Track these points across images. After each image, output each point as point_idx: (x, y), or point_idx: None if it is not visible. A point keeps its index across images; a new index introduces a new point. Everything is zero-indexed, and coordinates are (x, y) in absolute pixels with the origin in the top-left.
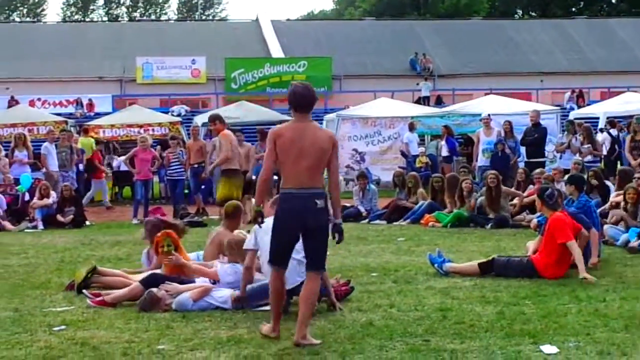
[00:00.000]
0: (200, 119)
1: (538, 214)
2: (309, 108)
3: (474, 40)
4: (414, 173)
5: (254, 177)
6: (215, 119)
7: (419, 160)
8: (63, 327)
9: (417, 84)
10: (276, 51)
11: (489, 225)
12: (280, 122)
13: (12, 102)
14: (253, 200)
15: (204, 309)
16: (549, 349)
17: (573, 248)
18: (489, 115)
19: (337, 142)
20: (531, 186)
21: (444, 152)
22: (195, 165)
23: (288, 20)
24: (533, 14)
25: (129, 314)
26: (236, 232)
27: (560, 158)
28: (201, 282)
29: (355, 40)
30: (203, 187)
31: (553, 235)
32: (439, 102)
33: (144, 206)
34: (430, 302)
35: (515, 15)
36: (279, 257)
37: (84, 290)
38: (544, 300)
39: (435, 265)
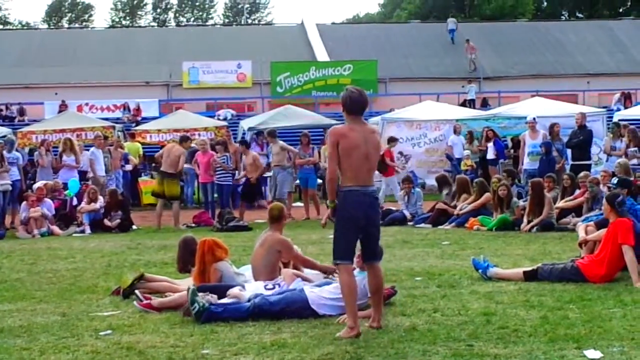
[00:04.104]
0: (246, 124)
1: (584, 216)
2: (363, 111)
3: (520, 42)
4: (461, 176)
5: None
6: None
7: (464, 163)
8: (109, 331)
9: (463, 87)
10: (322, 55)
11: (534, 229)
12: (328, 125)
13: (63, 107)
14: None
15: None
16: (592, 353)
17: (629, 254)
18: (534, 118)
19: None
20: (577, 190)
21: (490, 155)
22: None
23: (333, 23)
24: (580, 15)
25: (174, 318)
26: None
27: (607, 160)
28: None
29: (400, 43)
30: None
31: (615, 235)
32: (485, 104)
33: (211, 209)
34: (474, 307)
35: (562, 17)
36: (349, 251)
37: (136, 291)
38: (589, 304)
39: (480, 270)
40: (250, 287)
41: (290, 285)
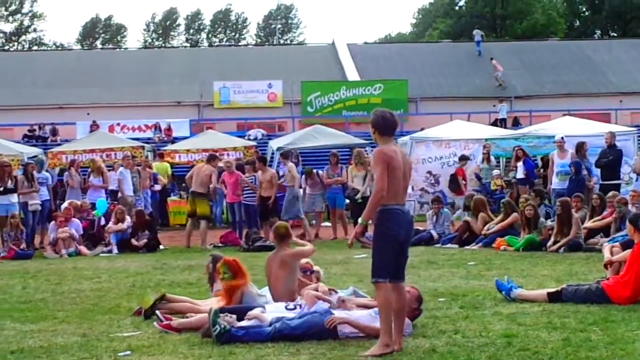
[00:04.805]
0: (275, 143)
1: (611, 237)
2: (394, 132)
3: (552, 61)
4: (478, 196)
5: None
6: None
7: (494, 182)
8: (128, 352)
9: (494, 106)
10: (352, 74)
11: (562, 249)
12: (357, 146)
13: (94, 127)
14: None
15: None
16: None
17: None
18: (562, 137)
19: None
20: (606, 210)
21: (520, 174)
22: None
23: (365, 43)
24: (613, 33)
25: (194, 339)
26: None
27: (637, 180)
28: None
29: (431, 63)
30: None
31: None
32: (516, 123)
33: (239, 229)
34: (496, 328)
35: (594, 36)
36: (388, 269)
37: (157, 312)
38: (612, 326)
39: (503, 291)
40: (270, 308)
41: (311, 308)
